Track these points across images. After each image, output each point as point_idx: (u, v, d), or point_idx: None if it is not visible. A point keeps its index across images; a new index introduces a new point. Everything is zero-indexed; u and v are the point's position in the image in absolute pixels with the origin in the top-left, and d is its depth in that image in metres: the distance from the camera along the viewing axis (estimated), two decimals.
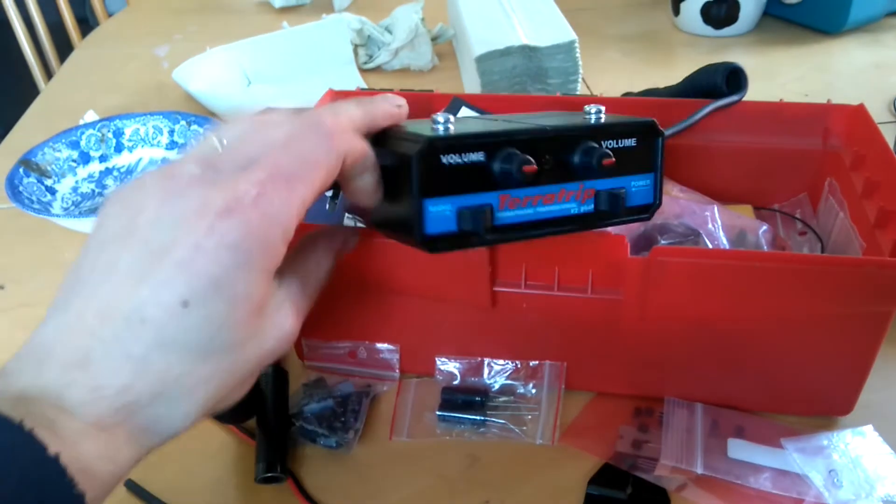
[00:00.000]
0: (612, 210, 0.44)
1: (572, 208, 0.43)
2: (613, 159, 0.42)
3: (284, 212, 0.34)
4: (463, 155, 0.39)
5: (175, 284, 0.32)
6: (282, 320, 0.37)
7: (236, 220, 0.32)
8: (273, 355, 0.36)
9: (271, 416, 0.53)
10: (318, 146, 0.36)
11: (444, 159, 0.39)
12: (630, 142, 0.44)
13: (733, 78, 0.65)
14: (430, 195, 0.39)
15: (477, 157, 0.40)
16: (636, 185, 0.45)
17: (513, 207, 0.41)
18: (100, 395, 0.31)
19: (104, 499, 0.32)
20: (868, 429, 0.53)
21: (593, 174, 0.43)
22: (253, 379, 0.37)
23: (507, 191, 0.41)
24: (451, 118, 0.40)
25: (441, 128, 0.40)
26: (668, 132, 0.54)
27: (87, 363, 0.31)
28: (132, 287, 0.32)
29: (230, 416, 0.48)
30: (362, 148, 0.39)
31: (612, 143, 0.44)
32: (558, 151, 0.42)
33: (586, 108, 0.45)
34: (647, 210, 0.46)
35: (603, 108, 0.45)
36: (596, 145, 0.43)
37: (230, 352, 0.34)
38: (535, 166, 0.40)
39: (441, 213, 0.39)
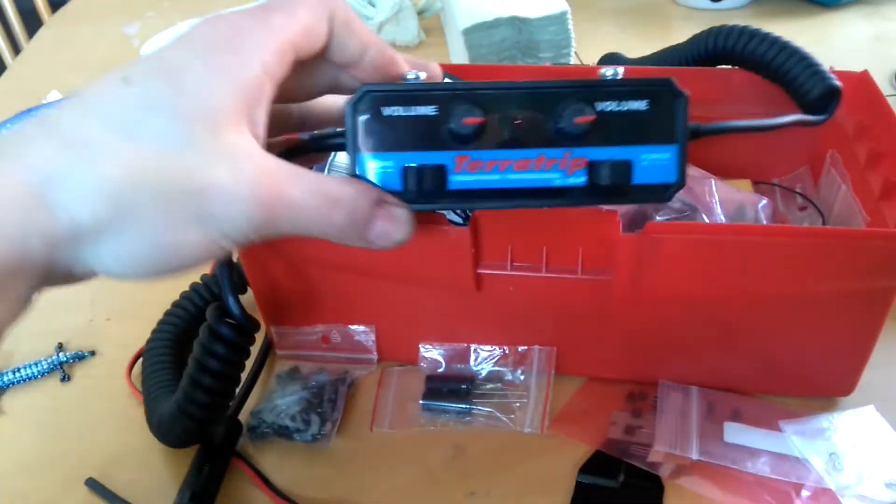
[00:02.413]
0: (612, 185, 0.38)
1: (555, 179, 0.38)
2: (593, 117, 0.36)
3: (259, 28, 0.33)
4: (408, 108, 0.36)
5: (127, 66, 0.31)
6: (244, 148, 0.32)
7: (208, 25, 0.33)
8: (218, 200, 0.31)
9: (217, 448, 0.50)
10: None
11: (385, 111, 0.36)
12: (639, 104, 0.37)
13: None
14: (369, 150, 0.36)
15: (426, 110, 0.36)
16: (649, 158, 0.38)
17: (473, 171, 0.37)
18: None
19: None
20: (869, 410, 0.51)
21: (579, 139, 0.37)
22: (186, 241, 0.31)
23: (466, 151, 0.37)
24: (423, 75, 0.37)
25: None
26: (713, 126, 0.44)
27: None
28: None
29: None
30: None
31: (613, 106, 0.37)
32: (533, 111, 0.37)
33: (601, 71, 0.38)
34: (665, 190, 0.38)
35: (621, 71, 0.38)
36: (579, 103, 0.37)
37: (156, 141, 0.30)
38: (480, 118, 0.36)
39: (382, 168, 0.37)
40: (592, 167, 0.37)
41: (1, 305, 0.28)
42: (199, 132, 0.30)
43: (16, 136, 0.30)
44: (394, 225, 0.36)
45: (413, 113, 0.36)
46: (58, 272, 0.30)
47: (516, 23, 0.87)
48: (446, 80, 0.64)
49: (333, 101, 0.41)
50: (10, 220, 0.28)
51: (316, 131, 0.40)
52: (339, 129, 0.39)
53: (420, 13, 1.08)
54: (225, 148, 0.31)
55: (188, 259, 0.31)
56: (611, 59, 0.74)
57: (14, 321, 0.29)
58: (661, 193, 0.38)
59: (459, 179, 0.37)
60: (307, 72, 0.38)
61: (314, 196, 0.33)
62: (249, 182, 0.31)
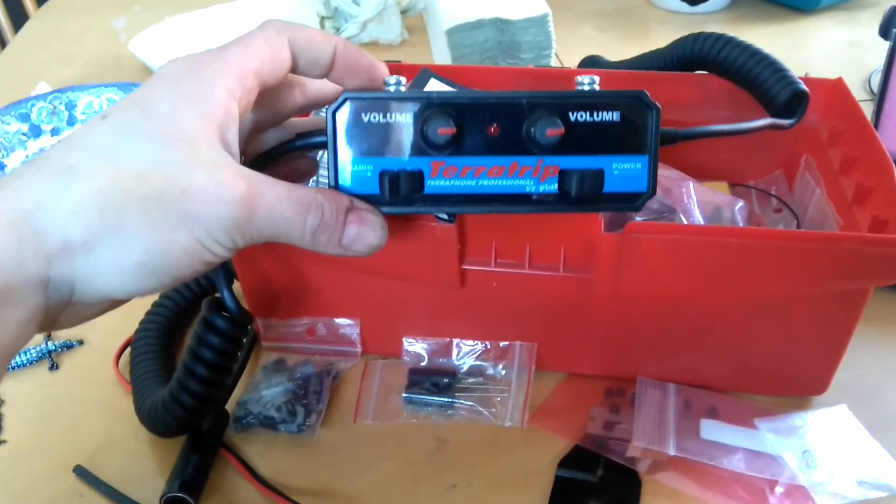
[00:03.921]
0: (582, 194, 0.39)
1: (528, 186, 0.39)
2: (562, 130, 0.37)
3: (217, 60, 0.36)
4: (386, 115, 0.38)
5: (106, 109, 0.34)
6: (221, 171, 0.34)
7: (171, 64, 0.36)
8: (201, 201, 0.32)
9: (205, 438, 0.50)
10: (257, 27, 0.39)
11: (365, 117, 0.37)
12: (612, 116, 0.38)
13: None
14: (349, 154, 0.38)
15: (403, 118, 0.38)
16: (621, 168, 0.39)
17: (448, 176, 0.39)
18: None
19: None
20: (842, 409, 0.52)
21: (552, 148, 0.38)
22: (174, 243, 0.32)
23: (442, 157, 0.38)
24: (403, 81, 0.39)
25: (392, 90, 0.39)
26: (690, 131, 0.45)
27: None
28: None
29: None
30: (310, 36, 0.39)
31: (586, 117, 0.38)
32: (508, 120, 0.38)
33: (578, 79, 0.39)
34: (636, 199, 0.39)
35: (598, 79, 0.39)
36: (549, 115, 0.38)
37: (135, 158, 0.32)
38: (452, 129, 0.37)
39: (361, 173, 0.38)
40: (564, 175, 0.39)
41: (2, 330, 0.29)
42: (176, 149, 0.32)
43: (8, 176, 0.32)
44: (366, 228, 0.38)
45: (391, 120, 0.38)
46: (60, 292, 0.31)
47: (499, 24, 0.87)
48: (432, 79, 0.65)
49: (333, 86, 0.43)
50: (5, 244, 0.29)
51: (298, 133, 0.42)
52: (314, 130, 0.41)
53: (403, 12, 1.08)
54: (202, 159, 0.33)
55: (181, 264, 0.33)
56: (591, 61, 0.75)
57: (17, 347, 0.30)
58: (631, 202, 0.40)
59: (435, 184, 0.39)
60: (284, 93, 0.41)
61: (288, 200, 0.35)
62: (229, 185, 0.33)
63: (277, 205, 0.35)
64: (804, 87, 0.56)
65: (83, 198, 0.31)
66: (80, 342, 0.59)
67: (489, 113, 0.38)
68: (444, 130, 0.37)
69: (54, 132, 0.81)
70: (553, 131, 0.37)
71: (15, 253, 0.29)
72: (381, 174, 0.38)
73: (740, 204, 0.58)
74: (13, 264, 0.29)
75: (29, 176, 0.31)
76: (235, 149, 0.36)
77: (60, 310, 0.32)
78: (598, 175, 0.39)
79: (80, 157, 0.32)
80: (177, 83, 0.34)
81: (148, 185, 0.32)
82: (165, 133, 0.33)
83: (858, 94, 0.87)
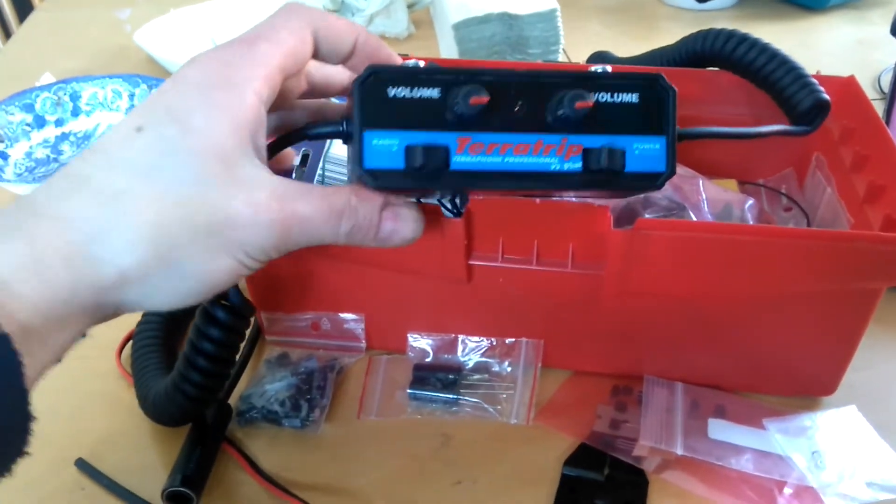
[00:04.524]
0: (606, 172, 0.39)
1: (552, 164, 0.39)
2: (591, 102, 0.37)
3: (246, 60, 0.35)
4: (413, 89, 0.37)
5: (134, 115, 0.34)
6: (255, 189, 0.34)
7: (199, 64, 0.35)
8: (241, 227, 0.33)
9: (208, 432, 0.50)
10: (282, 14, 0.37)
11: (391, 91, 0.37)
12: (630, 97, 0.39)
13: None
14: (374, 127, 0.37)
15: (430, 92, 0.37)
16: (641, 148, 0.39)
17: (475, 153, 0.38)
18: (32, 211, 0.31)
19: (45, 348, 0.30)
20: (851, 409, 0.52)
21: (576, 126, 0.38)
22: (219, 268, 0.34)
23: (468, 133, 0.38)
24: (423, 61, 0.38)
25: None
26: (696, 131, 0.45)
27: (33, 198, 0.32)
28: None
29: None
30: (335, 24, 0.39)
31: (607, 97, 0.39)
32: (534, 97, 0.38)
33: (591, 69, 0.40)
34: (656, 178, 0.39)
35: (609, 68, 0.40)
36: (578, 90, 0.38)
37: (179, 182, 0.32)
38: (485, 97, 0.36)
39: (386, 147, 0.37)
40: (588, 154, 0.39)
41: (46, 352, 0.30)
42: (214, 168, 0.33)
43: (50, 196, 0.32)
44: (401, 223, 0.38)
45: (418, 94, 0.37)
46: (106, 314, 0.33)
47: (506, 19, 0.87)
48: None
49: (347, 74, 0.43)
50: (60, 277, 0.30)
51: (310, 122, 0.41)
52: (329, 121, 0.40)
53: (410, 6, 1.08)
54: (239, 180, 0.33)
55: (221, 284, 0.34)
56: (599, 57, 0.75)
57: (53, 366, 0.31)
58: (652, 181, 0.39)
59: (461, 160, 0.38)
60: (291, 80, 0.40)
61: (322, 210, 0.35)
62: (265, 208, 0.33)
63: (312, 218, 0.35)
64: (826, 96, 0.54)
65: (136, 231, 0.31)
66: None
67: (516, 89, 0.38)
68: (476, 100, 0.36)
69: (58, 123, 0.81)
70: (582, 104, 0.37)
71: (69, 286, 0.30)
72: (407, 149, 0.37)
73: (750, 202, 0.57)
74: (67, 296, 0.30)
75: (75, 201, 0.31)
76: (264, 152, 0.36)
77: (99, 323, 0.33)
78: (621, 154, 0.39)
79: (126, 182, 0.32)
80: (209, 92, 0.34)
81: (194, 215, 0.32)
82: (204, 149, 0.33)
83: (868, 92, 0.86)
